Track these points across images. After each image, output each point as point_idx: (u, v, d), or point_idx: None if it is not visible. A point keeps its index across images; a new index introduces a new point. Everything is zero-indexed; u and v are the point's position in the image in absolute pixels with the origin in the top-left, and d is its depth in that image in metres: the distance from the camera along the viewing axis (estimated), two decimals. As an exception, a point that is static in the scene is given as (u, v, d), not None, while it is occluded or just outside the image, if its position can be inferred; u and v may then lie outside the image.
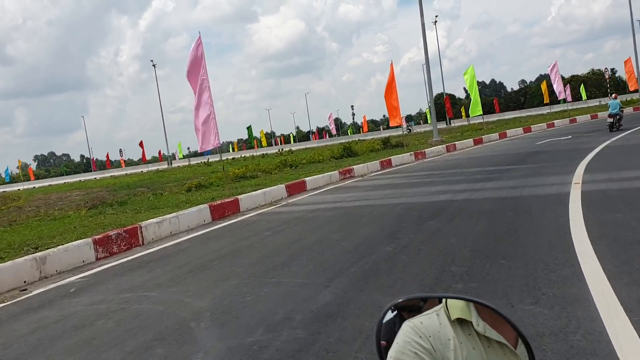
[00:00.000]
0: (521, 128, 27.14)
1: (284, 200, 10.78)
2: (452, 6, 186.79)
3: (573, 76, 69.67)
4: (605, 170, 9.11)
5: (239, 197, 10.08)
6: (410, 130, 52.52)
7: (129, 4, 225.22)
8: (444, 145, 20.69)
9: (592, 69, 72.90)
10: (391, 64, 20.58)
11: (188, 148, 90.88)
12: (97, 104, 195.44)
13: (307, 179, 12.65)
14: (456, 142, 21.86)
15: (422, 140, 27.63)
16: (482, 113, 26.46)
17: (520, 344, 0.97)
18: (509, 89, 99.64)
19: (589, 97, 56.16)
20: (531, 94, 75.89)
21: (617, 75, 68.39)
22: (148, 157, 76.15)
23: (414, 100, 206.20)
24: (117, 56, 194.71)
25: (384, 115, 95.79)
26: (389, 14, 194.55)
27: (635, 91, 41.14)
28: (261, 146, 71.69)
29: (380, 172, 15.23)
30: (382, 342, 1.04)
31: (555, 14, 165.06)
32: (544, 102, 51.96)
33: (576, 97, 53.74)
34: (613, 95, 21.78)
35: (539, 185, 8.39)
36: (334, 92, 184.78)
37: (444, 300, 1.02)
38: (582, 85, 53.80)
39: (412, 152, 18.50)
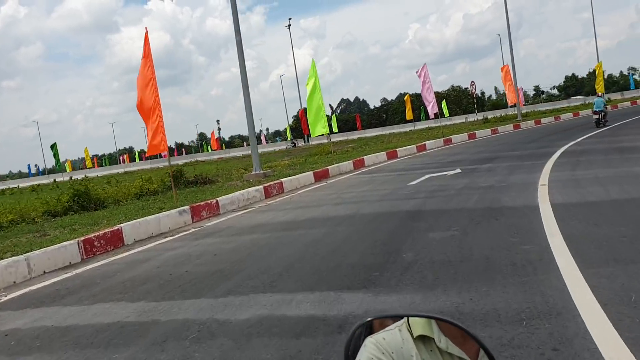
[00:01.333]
0: (384, 153, 18.90)
1: None
2: (318, 26, 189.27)
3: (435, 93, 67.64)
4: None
5: None
6: (294, 144, 49.60)
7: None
8: (261, 188, 11.64)
9: (452, 86, 72.82)
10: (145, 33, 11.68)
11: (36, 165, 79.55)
12: None
13: None
14: (288, 179, 12.87)
15: (242, 171, 18.31)
16: (327, 132, 17.95)
17: (482, 357, 0.98)
18: (371, 107, 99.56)
19: (451, 114, 55.17)
20: (393, 111, 74.75)
21: (480, 91, 71.52)
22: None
23: (282, 115, 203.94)
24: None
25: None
26: (257, 30, 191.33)
27: (513, 105, 36.76)
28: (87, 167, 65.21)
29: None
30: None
31: (412, 37, 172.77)
32: (407, 119, 49.68)
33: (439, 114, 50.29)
34: (598, 93, 24.87)
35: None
36: (202, 106, 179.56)
37: (405, 317, 1.04)
38: (443, 101, 50.49)
39: (184, 208, 9.13)
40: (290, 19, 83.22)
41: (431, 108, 24.52)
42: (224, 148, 70.25)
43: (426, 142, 22.08)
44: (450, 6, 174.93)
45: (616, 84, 76.36)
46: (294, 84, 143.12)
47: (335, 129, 51.78)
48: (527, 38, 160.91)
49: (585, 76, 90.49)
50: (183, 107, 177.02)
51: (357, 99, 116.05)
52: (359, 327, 1.06)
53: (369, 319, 1.07)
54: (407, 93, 60.84)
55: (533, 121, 30.24)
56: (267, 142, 66.66)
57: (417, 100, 51.60)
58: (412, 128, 49.27)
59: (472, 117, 47.11)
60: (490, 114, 45.19)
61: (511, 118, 35.06)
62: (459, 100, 65.49)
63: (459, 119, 51.16)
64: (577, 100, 53.52)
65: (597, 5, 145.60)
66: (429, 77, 24.51)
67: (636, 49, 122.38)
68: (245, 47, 17.66)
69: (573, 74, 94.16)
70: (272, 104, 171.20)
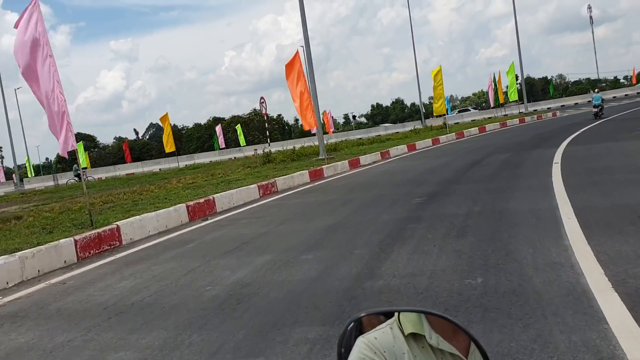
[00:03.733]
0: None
1: None
2: (130, 48, 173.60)
3: (234, 117, 63.05)
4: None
5: None
6: (87, 178, 30.17)
7: None
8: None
9: (255, 109, 62.48)
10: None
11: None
12: None
13: None
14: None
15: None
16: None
17: (474, 351, 0.99)
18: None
19: (249, 142, 47.77)
20: (197, 138, 66.33)
21: (284, 119, 68.48)
22: None
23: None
24: None
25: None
26: (61, 50, 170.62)
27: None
28: None
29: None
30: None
31: (228, 65, 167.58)
32: (220, 147, 45.65)
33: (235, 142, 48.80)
34: (596, 90, 29.10)
35: None
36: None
37: (395, 314, 1.04)
38: (238, 126, 47.59)
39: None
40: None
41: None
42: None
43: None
44: (264, 36, 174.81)
45: (418, 112, 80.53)
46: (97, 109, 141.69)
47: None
48: (336, 70, 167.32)
49: (389, 105, 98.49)
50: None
51: (175, 125, 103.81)
52: (351, 324, 1.08)
53: (361, 314, 1.09)
54: (220, 121, 57.68)
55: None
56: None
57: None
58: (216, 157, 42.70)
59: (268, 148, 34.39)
60: (293, 143, 35.59)
61: (310, 154, 21.47)
62: (262, 126, 55.77)
63: (248, 150, 42.13)
64: (387, 127, 50.60)
65: (395, 42, 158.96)
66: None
67: (430, 81, 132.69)
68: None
69: (378, 103, 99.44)
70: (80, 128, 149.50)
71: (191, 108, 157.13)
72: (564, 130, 19.51)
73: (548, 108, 46.49)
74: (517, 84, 41.54)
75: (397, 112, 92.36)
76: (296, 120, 67.21)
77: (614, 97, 46.87)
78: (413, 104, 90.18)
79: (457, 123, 40.16)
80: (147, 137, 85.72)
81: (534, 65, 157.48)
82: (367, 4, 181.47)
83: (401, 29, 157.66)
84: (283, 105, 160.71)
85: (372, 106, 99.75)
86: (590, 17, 66.62)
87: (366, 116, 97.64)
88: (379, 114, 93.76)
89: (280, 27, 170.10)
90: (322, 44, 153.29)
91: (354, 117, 74.37)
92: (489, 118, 41.77)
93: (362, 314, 1.09)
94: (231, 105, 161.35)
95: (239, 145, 45.94)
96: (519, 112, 40.72)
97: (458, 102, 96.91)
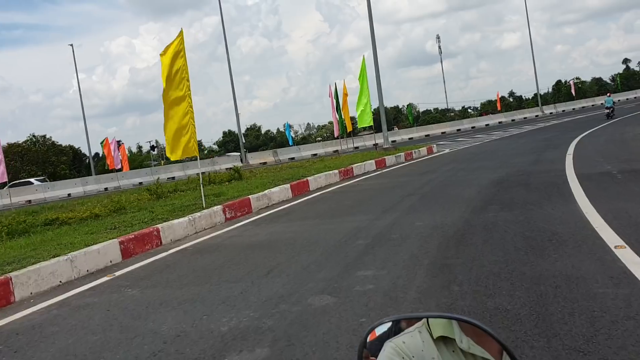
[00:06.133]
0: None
1: None
2: None
3: (70, 146, 59.32)
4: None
5: None
6: None
7: None
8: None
9: (33, 134, 56.64)
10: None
11: None
12: None
13: None
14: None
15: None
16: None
17: (505, 357, 0.94)
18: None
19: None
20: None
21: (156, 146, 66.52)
22: None
23: None
24: None
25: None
26: None
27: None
28: None
29: None
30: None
31: (75, 88, 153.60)
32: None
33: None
34: (608, 94, 31.67)
35: None
36: None
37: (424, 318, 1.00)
38: None
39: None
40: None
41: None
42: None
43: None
44: (117, 59, 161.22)
45: (274, 139, 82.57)
46: None
47: None
48: (196, 95, 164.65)
49: (244, 133, 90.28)
50: None
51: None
52: (372, 329, 1.04)
53: (386, 320, 1.03)
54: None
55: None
56: None
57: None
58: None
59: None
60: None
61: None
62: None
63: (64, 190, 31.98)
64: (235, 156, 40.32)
65: (255, 70, 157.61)
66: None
67: (290, 109, 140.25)
68: None
69: (230, 130, 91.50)
70: None
71: (36, 132, 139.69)
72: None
73: (410, 138, 39.14)
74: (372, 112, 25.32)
75: (250, 139, 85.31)
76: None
77: (485, 124, 41.41)
78: (268, 131, 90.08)
79: (293, 159, 34.05)
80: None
81: (385, 95, 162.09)
82: (225, 31, 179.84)
83: (260, 57, 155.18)
84: (139, 130, 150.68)
85: (224, 133, 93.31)
86: (440, 49, 69.91)
87: (218, 143, 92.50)
88: (231, 141, 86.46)
89: (134, 50, 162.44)
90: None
91: (152, 147, 66.20)
92: (334, 153, 32.88)
93: (387, 320, 1.05)
94: (80, 131, 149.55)
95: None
96: (374, 145, 26.96)
97: (315, 130, 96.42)
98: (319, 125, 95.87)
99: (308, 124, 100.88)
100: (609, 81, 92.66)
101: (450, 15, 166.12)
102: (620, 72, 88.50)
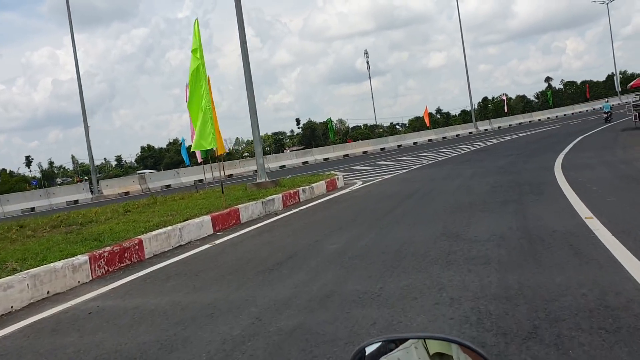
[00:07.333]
0: None
1: None
2: None
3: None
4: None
5: None
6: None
7: None
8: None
9: None
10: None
11: None
12: None
13: None
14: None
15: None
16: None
17: None
18: None
19: None
20: None
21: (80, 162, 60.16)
22: None
23: None
24: None
25: None
26: None
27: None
28: None
29: None
30: None
31: None
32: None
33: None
34: (606, 100, 37.83)
35: None
36: None
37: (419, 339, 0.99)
38: None
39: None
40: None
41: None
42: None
43: None
44: (39, 70, 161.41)
45: (232, 155, 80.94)
46: None
47: None
48: (122, 109, 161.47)
49: (164, 147, 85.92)
50: None
51: None
52: (363, 349, 1.01)
53: (379, 339, 1.02)
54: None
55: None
56: None
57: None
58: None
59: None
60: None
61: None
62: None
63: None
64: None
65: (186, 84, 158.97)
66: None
67: (220, 123, 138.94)
68: None
69: (149, 145, 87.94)
70: None
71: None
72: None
73: (325, 159, 32.87)
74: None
75: (171, 154, 77.11)
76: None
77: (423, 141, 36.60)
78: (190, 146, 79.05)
79: (169, 186, 26.33)
80: None
81: (316, 111, 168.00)
82: (154, 44, 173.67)
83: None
84: (62, 145, 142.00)
85: (143, 148, 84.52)
86: (368, 66, 68.02)
87: (137, 159, 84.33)
88: (150, 157, 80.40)
89: (57, 61, 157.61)
90: (106, 81, 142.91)
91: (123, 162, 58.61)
92: (197, 184, 21.85)
93: (380, 339, 1.03)
94: (0, 145, 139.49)
95: None
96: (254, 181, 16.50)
97: (244, 144, 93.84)
98: (248, 140, 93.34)
99: (237, 138, 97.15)
100: (533, 98, 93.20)
101: (379, 34, 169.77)
102: (543, 89, 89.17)
